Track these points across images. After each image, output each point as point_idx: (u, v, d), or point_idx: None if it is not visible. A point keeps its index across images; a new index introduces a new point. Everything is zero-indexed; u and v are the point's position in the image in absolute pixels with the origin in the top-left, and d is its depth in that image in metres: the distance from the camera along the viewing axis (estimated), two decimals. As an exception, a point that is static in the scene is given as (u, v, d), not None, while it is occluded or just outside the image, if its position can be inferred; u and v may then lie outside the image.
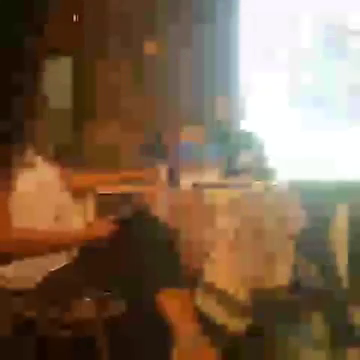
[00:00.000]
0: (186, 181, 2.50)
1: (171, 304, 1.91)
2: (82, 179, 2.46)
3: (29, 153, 2.05)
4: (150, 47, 4.16)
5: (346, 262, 2.52)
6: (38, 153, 2.13)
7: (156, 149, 3.21)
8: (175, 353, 1.84)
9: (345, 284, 2.50)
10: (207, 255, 2.21)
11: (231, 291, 2.15)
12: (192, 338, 1.86)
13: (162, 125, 4.07)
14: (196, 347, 1.84)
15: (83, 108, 4.20)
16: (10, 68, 2.02)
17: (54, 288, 2.03)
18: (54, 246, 1.95)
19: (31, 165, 2.03)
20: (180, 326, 1.88)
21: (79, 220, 2.17)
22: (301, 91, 4.36)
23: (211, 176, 2.51)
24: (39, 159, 2.12)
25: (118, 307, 2.12)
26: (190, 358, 1.85)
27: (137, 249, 2.00)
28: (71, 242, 2.00)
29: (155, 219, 2.23)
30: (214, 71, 4.23)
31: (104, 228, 2.03)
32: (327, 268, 2.47)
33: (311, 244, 2.45)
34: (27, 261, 1.96)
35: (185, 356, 1.85)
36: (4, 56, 2.04)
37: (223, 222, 2.25)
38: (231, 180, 2.51)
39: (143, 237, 2.04)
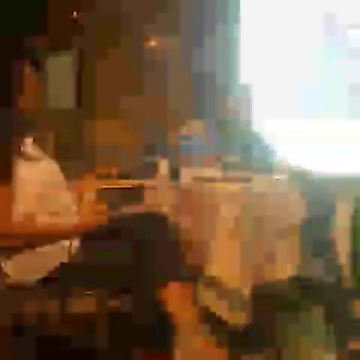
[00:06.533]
0: (187, 176, 2.50)
1: (172, 296, 1.91)
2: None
3: (30, 146, 2.06)
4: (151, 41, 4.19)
5: (348, 256, 2.52)
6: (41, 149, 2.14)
7: (158, 149, 3.22)
8: (176, 342, 1.84)
9: (347, 278, 2.50)
10: (208, 250, 2.21)
11: (232, 285, 2.15)
12: (192, 326, 1.86)
13: (162, 125, 4.07)
14: (196, 335, 1.85)
15: (84, 108, 4.22)
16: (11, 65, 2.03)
17: (55, 283, 2.02)
18: (51, 237, 1.96)
19: (32, 158, 2.04)
20: (180, 314, 1.89)
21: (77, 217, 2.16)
22: (301, 91, 4.37)
23: (211, 171, 2.51)
24: (43, 155, 2.13)
25: (119, 302, 2.13)
26: (191, 347, 1.85)
27: (139, 244, 2.00)
28: (67, 233, 1.99)
29: (156, 215, 2.23)
30: (215, 71, 4.24)
31: (97, 219, 2.03)
32: (329, 262, 2.47)
33: (313, 238, 2.45)
34: (29, 258, 1.96)
35: (186, 345, 1.85)
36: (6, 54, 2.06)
37: (224, 216, 2.25)
38: (231, 174, 2.51)
39: (145, 232, 2.04)
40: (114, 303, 2.12)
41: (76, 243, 2.05)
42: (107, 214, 2.04)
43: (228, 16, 4.34)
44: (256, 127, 3.51)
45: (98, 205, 2.15)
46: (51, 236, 1.97)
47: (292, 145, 4.11)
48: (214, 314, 2.10)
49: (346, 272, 2.57)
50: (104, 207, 2.08)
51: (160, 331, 1.99)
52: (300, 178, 2.54)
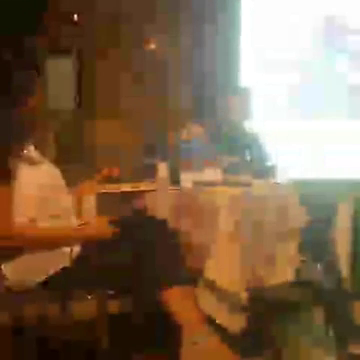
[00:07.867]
0: (187, 179, 2.51)
1: (174, 297, 1.92)
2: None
3: (32, 150, 2.06)
4: (151, 43, 4.19)
5: (348, 257, 2.52)
6: (42, 153, 2.14)
7: (158, 149, 3.22)
8: (178, 342, 1.85)
9: (347, 281, 2.50)
10: (208, 254, 2.21)
11: (231, 288, 2.15)
12: (194, 326, 1.87)
13: (162, 125, 4.08)
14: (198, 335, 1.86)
15: (84, 108, 4.22)
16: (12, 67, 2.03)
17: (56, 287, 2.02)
18: (52, 242, 1.97)
19: (34, 161, 2.04)
20: (183, 314, 1.90)
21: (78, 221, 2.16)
22: (301, 91, 4.37)
23: (211, 174, 2.51)
24: (44, 159, 2.12)
25: (120, 306, 2.13)
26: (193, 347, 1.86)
27: (139, 248, 2.01)
28: (69, 240, 2.00)
29: (156, 218, 2.24)
30: (215, 71, 4.24)
31: (102, 229, 2.04)
32: (329, 265, 2.47)
33: (313, 242, 2.45)
34: (28, 261, 1.96)
35: (188, 345, 1.86)
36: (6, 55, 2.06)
37: (224, 220, 2.25)
38: (231, 178, 2.51)
39: (145, 236, 2.05)
40: (114, 304, 2.13)
41: (77, 249, 2.05)
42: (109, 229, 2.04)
43: (229, 16, 4.33)
44: (256, 128, 3.51)
45: (100, 217, 2.15)
46: (52, 242, 1.98)
47: (292, 146, 4.12)
48: (214, 320, 2.10)
49: (346, 273, 2.57)
50: (105, 219, 2.08)
51: (160, 332, 1.99)
52: (300, 181, 2.54)
